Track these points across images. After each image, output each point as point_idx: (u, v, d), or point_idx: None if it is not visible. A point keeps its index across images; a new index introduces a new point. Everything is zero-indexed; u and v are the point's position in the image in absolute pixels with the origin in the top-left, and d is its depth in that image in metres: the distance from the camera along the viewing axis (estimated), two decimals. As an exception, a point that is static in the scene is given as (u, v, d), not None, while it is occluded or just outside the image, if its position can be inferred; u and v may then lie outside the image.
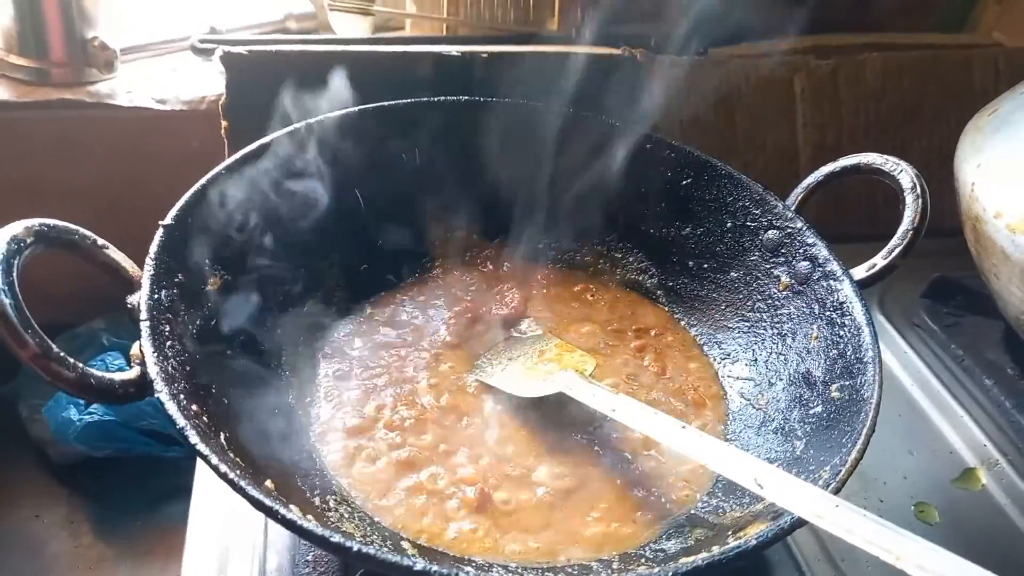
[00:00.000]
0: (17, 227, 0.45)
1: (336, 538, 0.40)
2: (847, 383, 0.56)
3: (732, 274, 0.70)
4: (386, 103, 0.70)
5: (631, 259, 0.76)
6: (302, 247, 0.64)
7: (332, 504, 0.52)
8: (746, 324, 0.68)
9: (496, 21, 0.93)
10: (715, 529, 0.53)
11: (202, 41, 0.94)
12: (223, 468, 0.41)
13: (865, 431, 0.50)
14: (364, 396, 0.61)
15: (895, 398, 0.77)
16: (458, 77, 0.80)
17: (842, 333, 0.59)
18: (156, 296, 0.49)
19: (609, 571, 0.50)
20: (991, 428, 0.74)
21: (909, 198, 0.62)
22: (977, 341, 0.81)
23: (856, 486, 0.67)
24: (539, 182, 0.70)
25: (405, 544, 0.51)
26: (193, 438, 0.42)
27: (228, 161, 0.60)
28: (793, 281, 0.65)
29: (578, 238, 0.74)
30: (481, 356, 0.66)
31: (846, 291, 0.60)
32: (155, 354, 0.46)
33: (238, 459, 0.45)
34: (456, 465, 0.57)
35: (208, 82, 0.88)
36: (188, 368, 0.49)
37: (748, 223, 0.69)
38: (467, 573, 0.42)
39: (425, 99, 0.71)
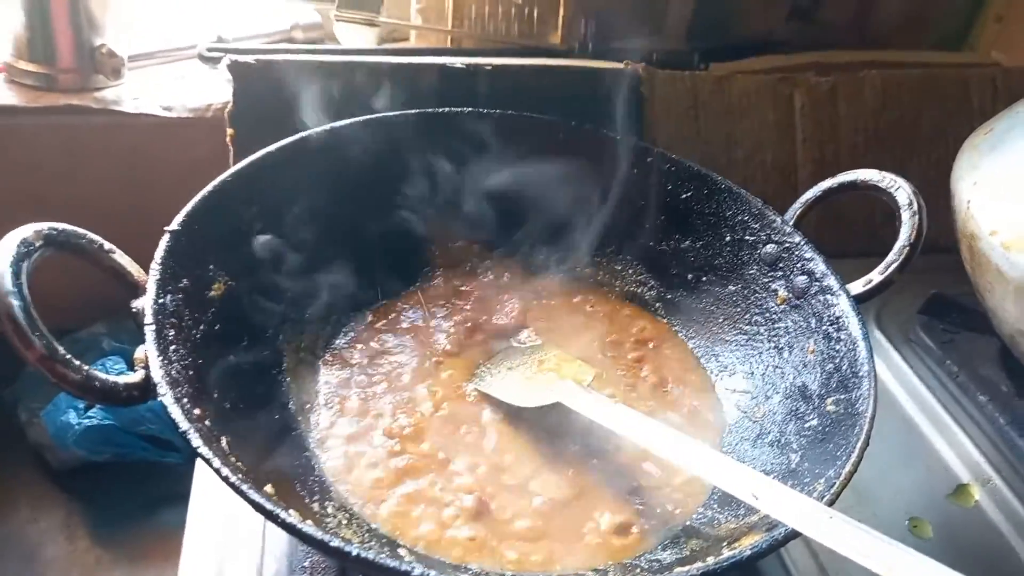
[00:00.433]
0: (27, 230, 0.46)
1: (336, 542, 0.40)
2: (842, 397, 0.56)
3: (730, 287, 0.70)
4: (391, 114, 0.71)
5: (630, 271, 0.76)
6: (305, 254, 0.64)
7: (331, 510, 0.52)
8: (744, 337, 0.68)
9: (500, 34, 0.94)
10: (710, 540, 0.53)
11: (209, 49, 0.95)
12: (225, 472, 0.42)
13: (860, 445, 0.50)
14: (364, 403, 0.61)
15: (890, 413, 0.77)
16: (462, 89, 0.81)
17: (838, 347, 0.59)
18: (161, 301, 0.50)
19: (605, 581, 0.51)
20: (985, 444, 0.74)
21: (906, 215, 0.62)
22: (972, 358, 0.82)
23: (850, 500, 0.67)
24: (540, 194, 0.71)
25: (402, 551, 0.51)
26: (196, 441, 0.43)
27: (234, 168, 0.60)
28: (790, 295, 0.65)
29: (578, 250, 0.75)
30: (480, 365, 0.66)
31: (843, 306, 0.61)
32: (159, 358, 0.46)
33: (239, 463, 0.45)
34: (454, 473, 0.57)
35: (215, 90, 0.89)
36: (191, 372, 0.49)
37: (747, 237, 0.69)
38: (464, 579, 0.42)
39: (430, 110, 0.72)
